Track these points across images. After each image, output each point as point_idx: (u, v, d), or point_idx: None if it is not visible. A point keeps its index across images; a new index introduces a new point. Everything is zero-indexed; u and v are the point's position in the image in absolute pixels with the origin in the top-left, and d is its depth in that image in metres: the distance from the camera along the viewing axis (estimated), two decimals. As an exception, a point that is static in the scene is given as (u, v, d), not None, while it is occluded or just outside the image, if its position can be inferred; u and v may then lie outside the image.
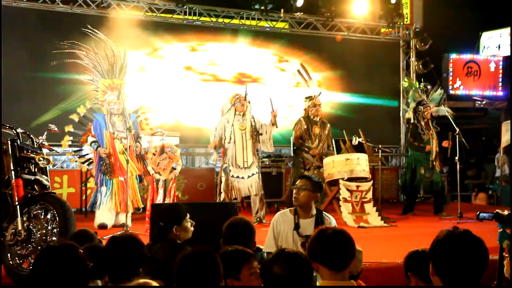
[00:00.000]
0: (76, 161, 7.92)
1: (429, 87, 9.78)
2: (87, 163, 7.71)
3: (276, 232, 4.36)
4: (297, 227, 4.26)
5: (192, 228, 3.90)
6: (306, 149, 8.59)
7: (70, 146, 7.73)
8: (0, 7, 8.15)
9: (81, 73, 8.15)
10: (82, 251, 2.57)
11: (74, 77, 8.95)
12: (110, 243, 3.10)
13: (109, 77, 7.57)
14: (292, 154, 9.40)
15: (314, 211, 4.38)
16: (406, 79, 11.43)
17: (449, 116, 8.91)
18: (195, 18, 10.62)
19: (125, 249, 2.97)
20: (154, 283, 1.86)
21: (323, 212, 4.49)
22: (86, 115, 7.66)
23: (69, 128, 7.52)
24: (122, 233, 5.32)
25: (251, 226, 3.80)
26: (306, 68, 9.62)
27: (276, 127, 8.12)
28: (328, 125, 8.91)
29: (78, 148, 7.77)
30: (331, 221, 4.43)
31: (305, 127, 8.71)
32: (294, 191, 4.36)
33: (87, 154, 7.66)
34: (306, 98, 8.99)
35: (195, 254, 2.57)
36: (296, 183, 4.41)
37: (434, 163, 9.11)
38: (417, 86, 9.91)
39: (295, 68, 10.97)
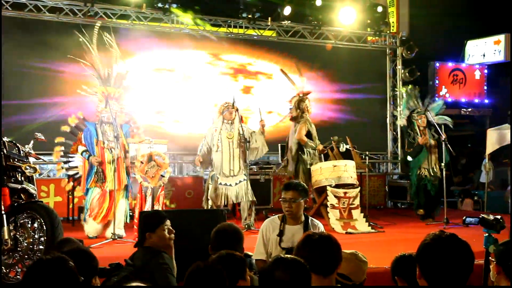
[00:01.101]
0: (65, 173, 7.84)
1: (417, 93, 9.80)
2: (73, 174, 7.67)
3: (266, 239, 4.36)
4: (281, 234, 4.26)
5: (169, 235, 3.88)
6: (311, 147, 8.61)
7: (62, 156, 7.67)
8: (0, 7, 8.10)
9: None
10: (72, 263, 2.53)
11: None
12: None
13: (104, 84, 7.55)
14: (280, 161, 9.46)
15: (302, 218, 4.38)
16: (403, 87, 11.47)
17: (435, 124, 8.99)
18: (182, 26, 10.64)
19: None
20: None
21: (311, 217, 4.50)
22: (77, 125, 7.59)
23: (60, 139, 7.48)
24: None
25: (239, 232, 3.79)
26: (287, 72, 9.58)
27: (264, 136, 8.16)
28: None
29: (67, 160, 7.70)
30: (320, 226, 4.44)
31: (311, 126, 8.73)
32: (286, 204, 4.28)
33: (74, 165, 7.62)
34: (299, 99, 8.84)
35: (199, 270, 2.55)
36: (284, 196, 4.31)
37: (434, 169, 9.11)
38: (412, 93, 9.90)
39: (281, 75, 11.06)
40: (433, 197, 9.21)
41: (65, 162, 7.72)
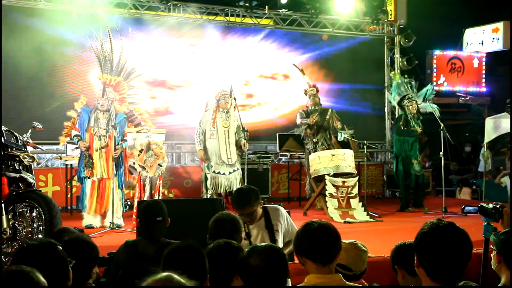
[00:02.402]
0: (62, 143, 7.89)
1: (413, 82, 9.80)
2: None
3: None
4: (248, 236, 4.16)
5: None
6: (305, 121, 8.81)
7: (68, 143, 7.70)
8: (0, 6, 8.04)
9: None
10: (61, 247, 2.50)
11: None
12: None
13: (102, 72, 7.57)
14: (278, 150, 9.55)
15: (260, 211, 4.29)
16: (392, 73, 11.50)
17: (433, 112, 8.99)
18: (179, 15, 10.58)
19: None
20: (177, 277, 1.82)
21: (267, 206, 4.43)
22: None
23: (68, 124, 7.50)
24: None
25: (237, 221, 3.78)
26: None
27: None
28: (329, 109, 9.08)
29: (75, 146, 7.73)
30: (279, 210, 4.38)
31: (304, 116, 8.93)
32: (246, 219, 4.13)
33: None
34: (307, 89, 9.16)
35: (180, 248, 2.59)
36: (240, 213, 4.11)
37: (419, 160, 9.19)
38: (403, 80, 9.93)
39: (281, 65, 11.09)
40: (421, 186, 9.25)
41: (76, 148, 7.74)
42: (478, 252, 2.75)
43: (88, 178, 7.29)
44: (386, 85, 12.15)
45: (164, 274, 1.80)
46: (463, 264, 2.20)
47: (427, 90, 9.63)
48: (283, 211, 4.44)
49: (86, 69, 9.39)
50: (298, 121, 8.96)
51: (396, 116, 10.31)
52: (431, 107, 9.16)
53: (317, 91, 9.16)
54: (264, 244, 2.64)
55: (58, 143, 8.05)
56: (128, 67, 7.77)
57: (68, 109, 7.68)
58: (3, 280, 1.97)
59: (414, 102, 9.24)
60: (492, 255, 2.95)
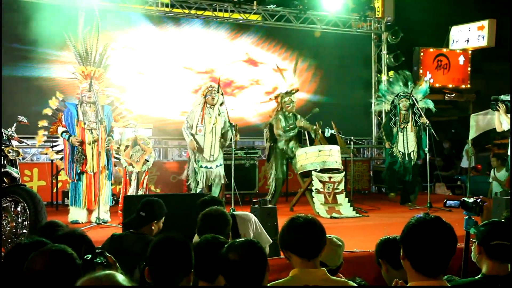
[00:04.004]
0: (51, 157, 7.71)
1: (407, 72, 9.86)
2: (60, 156, 7.59)
3: None
4: None
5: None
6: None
7: (45, 142, 7.59)
8: (1, 6, 7.93)
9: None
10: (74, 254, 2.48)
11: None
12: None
13: (84, 64, 7.47)
14: (265, 145, 9.58)
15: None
16: (388, 76, 11.56)
17: (419, 108, 9.06)
18: (167, 9, 10.53)
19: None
20: (118, 275, 1.78)
21: (236, 213, 4.44)
22: (58, 108, 7.51)
23: (43, 123, 7.38)
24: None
25: (225, 217, 3.79)
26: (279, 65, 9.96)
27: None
28: (299, 116, 9.11)
29: (54, 143, 7.62)
30: (248, 220, 4.38)
31: (283, 124, 8.96)
32: None
33: (59, 146, 7.55)
34: (285, 93, 9.13)
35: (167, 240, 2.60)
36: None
37: (411, 155, 9.24)
38: (397, 76, 9.93)
39: (268, 61, 11.09)
40: (408, 181, 9.33)
41: (52, 147, 7.64)
42: (460, 247, 2.79)
43: (83, 173, 7.23)
44: (373, 81, 12.20)
45: (105, 272, 1.77)
46: (447, 257, 2.24)
47: (424, 89, 9.60)
48: (252, 218, 4.47)
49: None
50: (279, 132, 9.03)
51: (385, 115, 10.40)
52: (428, 104, 9.28)
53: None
54: (242, 239, 2.65)
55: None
56: (106, 58, 7.68)
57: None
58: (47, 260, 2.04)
59: (405, 99, 9.29)
60: (472, 247, 3.00)
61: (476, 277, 2.79)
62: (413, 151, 9.23)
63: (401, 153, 9.24)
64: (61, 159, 7.54)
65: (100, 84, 7.52)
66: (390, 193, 9.36)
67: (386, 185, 9.47)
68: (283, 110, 9.07)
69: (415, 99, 9.18)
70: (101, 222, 6.86)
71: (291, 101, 9.06)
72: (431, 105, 9.33)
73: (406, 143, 9.23)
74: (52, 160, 8.65)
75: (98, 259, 2.39)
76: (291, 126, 8.97)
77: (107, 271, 1.75)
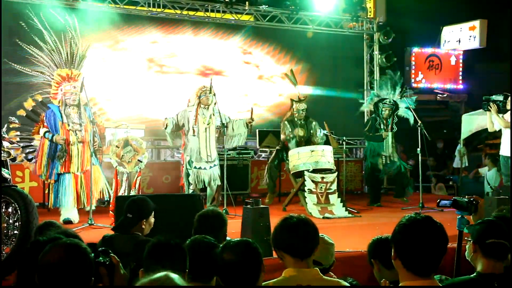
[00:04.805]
0: (19, 158, 7.56)
1: (398, 72, 9.95)
2: (31, 158, 7.49)
3: None
4: None
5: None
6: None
7: (18, 142, 7.48)
8: (0, 5, 7.87)
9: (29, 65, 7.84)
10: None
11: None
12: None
13: (67, 67, 7.42)
14: (258, 146, 9.61)
15: None
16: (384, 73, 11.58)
17: (411, 109, 9.10)
18: (159, 10, 10.51)
19: None
20: (174, 275, 1.80)
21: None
22: (34, 109, 7.46)
23: (14, 125, 7.25)
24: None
25: (222, 217, 3.80)
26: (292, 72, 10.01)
27: (250, 133, 8.41)
28: (313, 123, 9.23)
29: (25, 144, 7.55)
30: None
31: (290, 130, 9.01)
32: None
33: (31, 147, 7.47)
34: (296, 101, 9.24)
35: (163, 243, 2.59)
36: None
37: (391, 158, 9.34)
38: (386, 78, 9.98)
39: (259, 61, 11.09)
40: (402, 175, 9.37)
41: (23, 147, 7.55)
42: (452, 247, 2.81)
43: (67, 173, 7.19)
44: (365, 81, 12.22)
45: (163, 273, 1.79)
46: (438, 256, 2.26)
47: (412, 100, 9.57)
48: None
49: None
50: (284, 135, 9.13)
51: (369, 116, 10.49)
52: (409, 115, 9.31)
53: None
54: (237, 239, 2.66)
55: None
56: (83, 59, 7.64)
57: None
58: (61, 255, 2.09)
59: (389, 109, 9.38)
60: (467, 246, 3.01)
61: (472, 275, 2.80)
62: (392, 153, 9.34)
63: (384, 157, 9.34)
64: (30, 160, 7.48)
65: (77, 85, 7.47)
66: (377, 203, 9.40)
67: (370, 197, 9.57)
68: (293, 116, 9.18)
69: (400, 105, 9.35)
70: (93, 223, 6.84)
71: (298, 109, 9.16)
72: (411, 119, 9.29)
73: (386, 146, 9.33)
74: (29, 160, 8.52)
75: (101, 258, 2.38)
76: (290, 135, 9.00)
77: (164, 272, 1.78)
